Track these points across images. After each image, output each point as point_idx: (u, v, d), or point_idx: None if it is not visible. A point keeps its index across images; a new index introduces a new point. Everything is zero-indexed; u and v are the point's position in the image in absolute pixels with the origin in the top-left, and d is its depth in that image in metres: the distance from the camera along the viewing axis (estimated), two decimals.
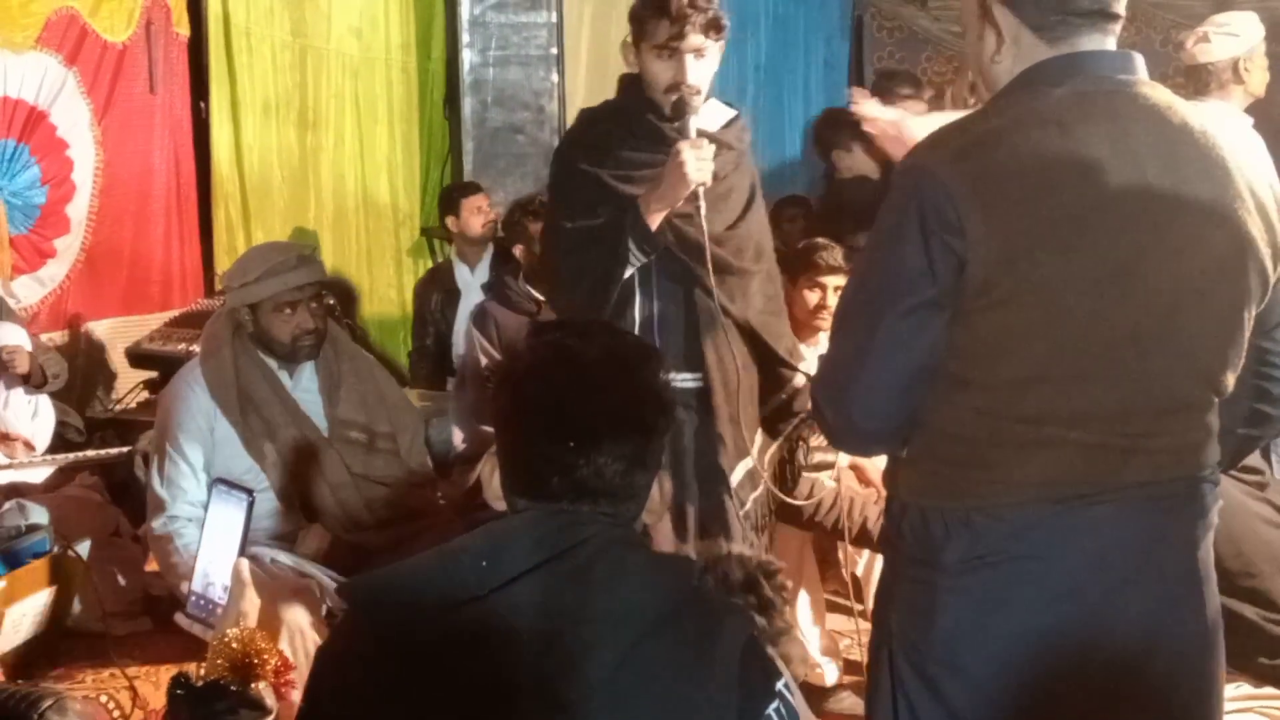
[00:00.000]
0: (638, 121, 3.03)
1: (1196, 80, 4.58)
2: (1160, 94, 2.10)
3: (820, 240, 4.22)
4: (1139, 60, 2.11)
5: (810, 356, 3.53)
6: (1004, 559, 2.05)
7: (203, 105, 5.84)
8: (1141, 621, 2.08)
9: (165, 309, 5.57)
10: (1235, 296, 2.08)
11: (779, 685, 1.74)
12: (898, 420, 2.00)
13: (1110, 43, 2.10)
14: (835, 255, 4.10)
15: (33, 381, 4.61)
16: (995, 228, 2.01)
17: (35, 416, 4.67)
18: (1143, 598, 2.07)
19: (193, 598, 1.96)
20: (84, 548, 3.31)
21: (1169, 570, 2.09)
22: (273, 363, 3.41)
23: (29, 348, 4.65)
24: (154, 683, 3.07)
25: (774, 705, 1.72)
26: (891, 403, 1.93)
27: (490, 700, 1.59)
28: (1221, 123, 2.10)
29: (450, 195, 6.01)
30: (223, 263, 5.71)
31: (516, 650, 1.59)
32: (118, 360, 5.34)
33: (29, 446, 4.53)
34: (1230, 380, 2.11)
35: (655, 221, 2.93)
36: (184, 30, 5.76)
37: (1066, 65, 2.09)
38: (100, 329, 5.44)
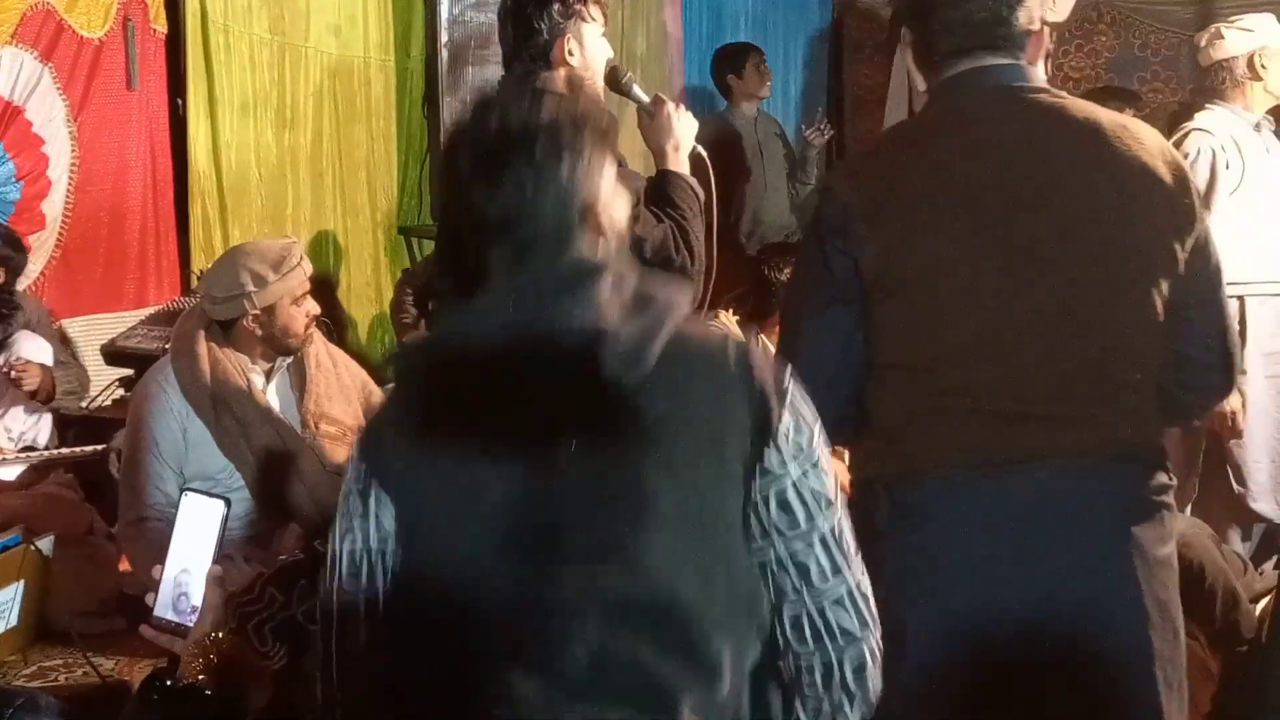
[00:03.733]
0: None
1: (1213, 80, 4.49)
2: (1052, 96, 2.36)
3: None
4: (1029, 70, 2.36)
5: None
6: (927, 522, 2.27)
7: (180, 102, 5.82)
8: (1060, 588, 2.22)
9: (141, 306, 5.54)
10: (1138, 274, 2.26)
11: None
12: (832, 410, 2.02)
13: (1003, 59, 2.35)
14: None
15: (39, 398, 4.57)
16: (880, 227, 2.29)
17: (36, 423, 4.65)
18: (1062, 566, 2.22)
19: (159, 608, 1.91)
20: (46, 544, 3.30)
21: (1093, 542, 2.24)
22: (246, 360, 3.40)
23: (49, 362, 4.61)
24: (128, 680, 3.06)
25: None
26: (819, 393, 1.95)
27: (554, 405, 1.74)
28: (1115, 117, 2.36)
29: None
30: (199, 261, 5.68)
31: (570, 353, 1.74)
32: (92, 358, 5.31)
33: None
34: (1148, 355, 2.28)
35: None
36: (161, 26, 5.73)
37: (959, 80, 2.38)
38: (75, 326, 5.41)
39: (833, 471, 1.86)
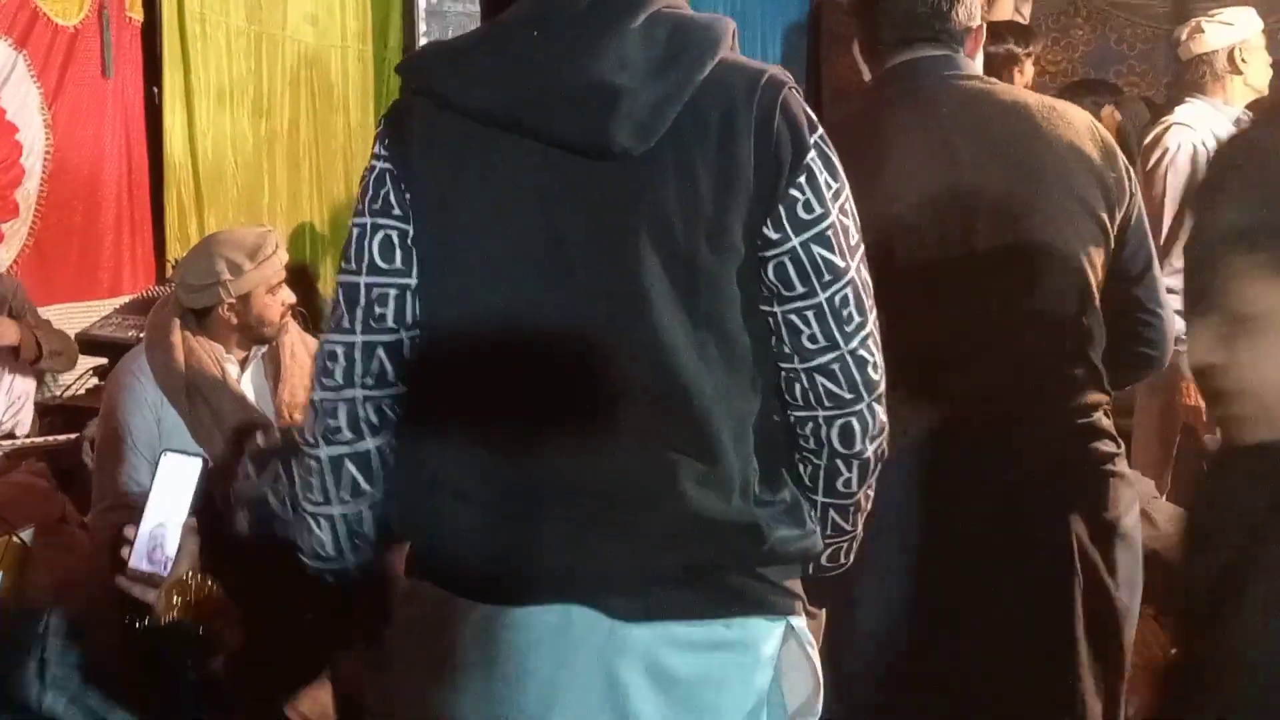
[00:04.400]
0: None
1: (1193, 74, 4.50)
2: (983, 83, 2.53)
3: None
4: (965, 61, 2.54)
5: None
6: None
7: (156, 91, 5.79)
8: (993, 536, 2.37)
9: (116, 295, 5.52)
10: (1066, 244, 2.40)
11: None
12: None
13: (940, 51, 2.52)
14: None
15: (26, 355, 4.51)
16: None
17: (17, 412, 4.62)
18: (998, 532, 2.37)
19: (135, 559, 1.94)
20: (28, 534, 3.29)
21: (1032, 508, 2.38)
22: (220, 349, 3.39)
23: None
24: None
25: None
26: None
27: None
28: (1044, 99, 2.54)
29: None
30: (174, 250, 5.66)
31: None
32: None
33: None
34: (1076, 323, 2.41)
35: None
36: (137, 15, 5.71)
37: (898, 70, 2.55)
38: (49, 315, 5.39)
39: (844, 239, 1.85)
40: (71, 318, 5.37)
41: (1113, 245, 2.44)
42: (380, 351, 1.86)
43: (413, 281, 1.87)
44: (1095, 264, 2.42)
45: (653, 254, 1.78)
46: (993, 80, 2.57)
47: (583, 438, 1.81)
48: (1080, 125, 2.48)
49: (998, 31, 5.61)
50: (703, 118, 1.79)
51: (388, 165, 1.89)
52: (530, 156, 1.79)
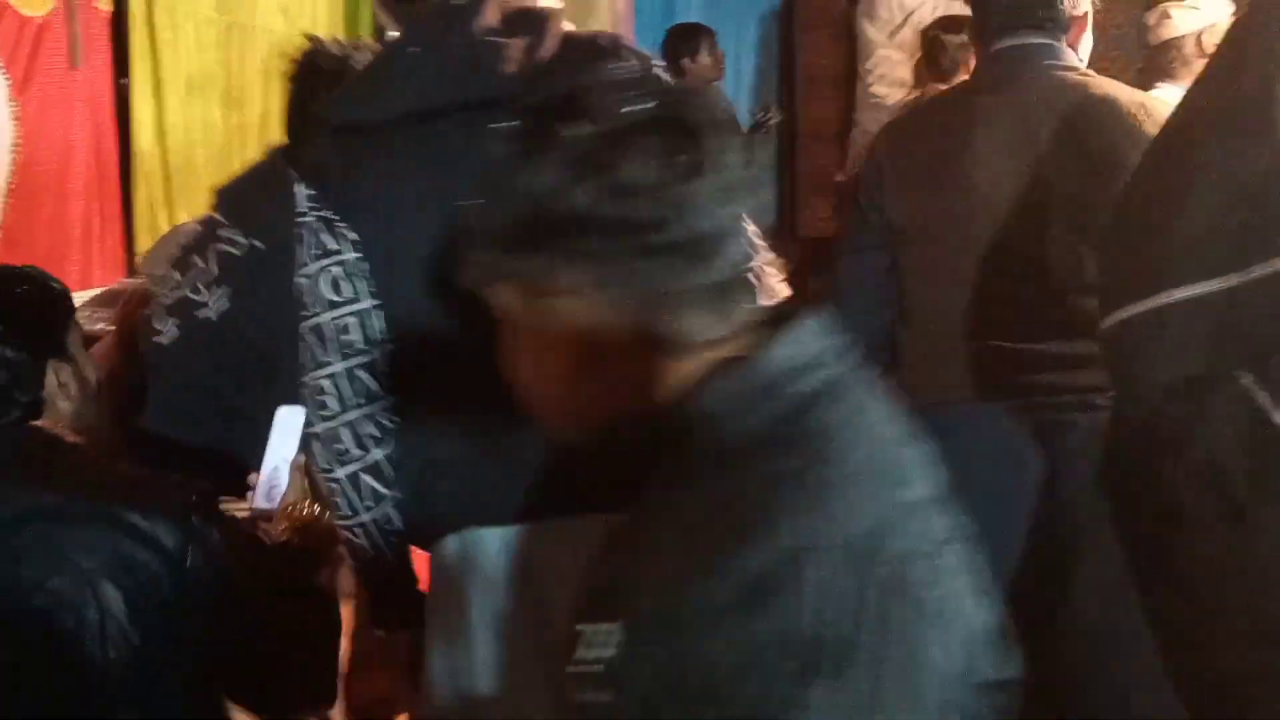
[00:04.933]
0: None
1: (1162, 59, 4.48)
2: (1079, 74, 2.65)
3: None
4: (1064, 50, 2.66)
5: None
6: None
7: (124, 82, 5.75)
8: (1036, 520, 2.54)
9: (85, 288, 5.46)
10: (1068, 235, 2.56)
11: None
12: (866, 337, 2.42)
13: (1042, 39, 2.66)
14: None
15: None
16: (901, 181, 2.69)
17: None
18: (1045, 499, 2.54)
19: (256, 500, 2.08)
20: None
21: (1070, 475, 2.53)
22: None
23: None
24: None
25: None
26: (856, 323, 2.28)
27: None
28: (1135, 96, 2.67)
29: None
30: (144, 242, 5.63)
31: None
32: None
33: None
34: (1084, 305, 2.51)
35: None
36: (105, 5, 5.66)
37: (996, 56, 2.71)
38: None
39: None
40: None
41: None
42: (360, 373, 2.05)
43: (368, 303, 2.06)
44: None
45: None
46: (1089, 72, 2.69)
47: None
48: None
49: (959, 22, 5.69)
50: (570, 62, 2.04)
51: (317, 213, 2.08)
52: (444, 135, 1.99)
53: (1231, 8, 4.54)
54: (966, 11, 6.28)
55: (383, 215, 2.06)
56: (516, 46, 2.03)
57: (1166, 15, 4.49)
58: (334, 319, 2.05)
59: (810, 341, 1.27)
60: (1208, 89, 2.04)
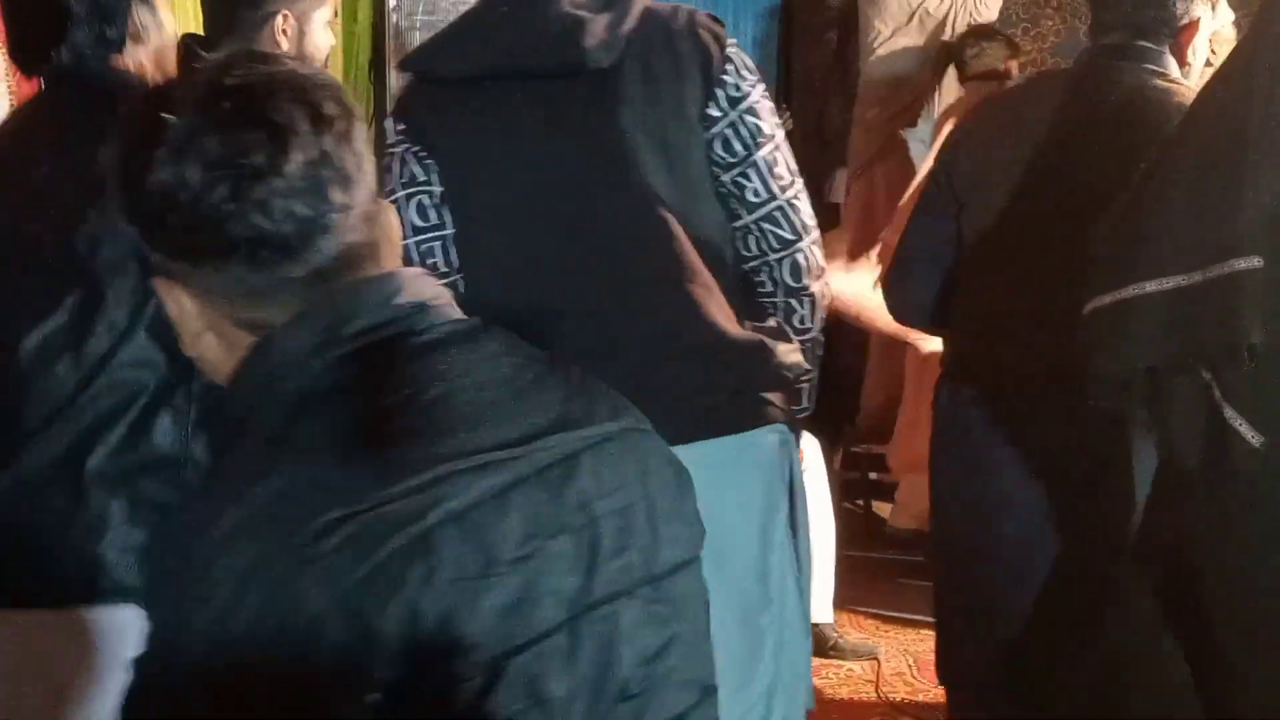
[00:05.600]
0: None
1: None
2: (1163, 81, 2.75)
3: None
4: (1161, 55, 2.75)
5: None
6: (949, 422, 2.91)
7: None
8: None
9: None
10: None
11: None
12: (915, 297, 2.92)
13: (1144, 42, 2.74)
14: None
15: None
16: (971, 157, 2.85)
17: None
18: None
19: None
20: None
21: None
22: None
23: None
24: None
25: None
26: (911, 283, 2.85)
27: None
28: (1144, 94, 2.78)
29: None
30: None
31: None
32: None
33: None
34: None
35: None
36: None
37: (1097, 49, 2.82)
38: None
39: (767, 114, 2.39)
40: None
41: None
42: None
43: (450, 231, 2.32)
44: None
45: (637, 137, 2.27)
46: (1179, 81, 2.78)
47: (606, 287, 2.27)
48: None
49: (985, 32, 5.75)
50: (648, 35, 2.30)
51: (405, 146, 2.33)
52: (525, 94, 2.25)
53: (1232, 15, 4.55)
54: (994, 18, 6.39)
55: (458, 161, 2.29)
56: (600, 22, 2.24)
57: None
58: (418, 243, 2.29)
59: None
60: (1204, 95, 2.12)
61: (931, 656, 3.24)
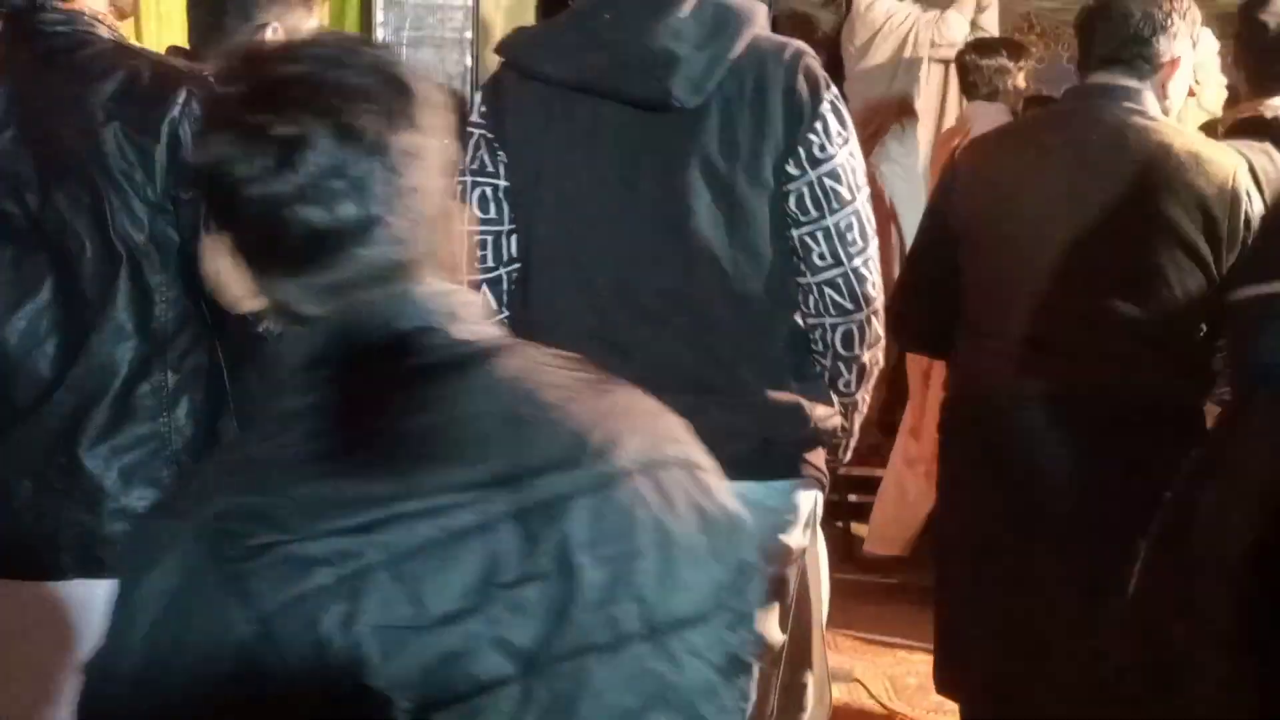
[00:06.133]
0: None
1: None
2: (1144, 119, 2.88)
3: None
4: (1143, 94, 2.90)
5: None
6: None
7: None
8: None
9: None
10: (1148, 275, 2.84)
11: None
12: (925, 324, 3.10)
13: (1128, 80, 2.90)
14: None
15: None
16: (969, 193, 2.97)
17: None
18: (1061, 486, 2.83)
19: None
20: None
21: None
22: None
23: None
24: None
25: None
26: (916, 306, 2.99)
27: None
28: (1190, 146, 2.90)
29: None
30: None
31: None
32: None
33: None
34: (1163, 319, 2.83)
35: None
36: None
37: (1081, 90, 3.00)
38: None
39: (851, 177, 2.37)
40: None
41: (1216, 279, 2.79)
42: (484, 288, 2.32)
43: (506, 226, 2.33)
44: (1180, 290, 2.80)
45: (703, 187, 2.23)
46: (1159, 119, 2.92)
47: (655, 330, 2.27)
48: (1216, 176, 2.79)
49: (992, 46, 5.73)
50: (741, 79, 2.27)
51: (483, 131, 2.33)
52: (605, 113, 2.26)
53: (1217, 45, 4.59)
54: (994, 33, 6.37)
55: (529, 162, 2.30)
56: (696, 60, 2.19)
57: None
58: (473, 233, 2.31)
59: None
60: None
61: (909, 679, 3.29)
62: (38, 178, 2.18)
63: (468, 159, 2.33)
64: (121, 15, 2.34)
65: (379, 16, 6.46)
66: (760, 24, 2.32)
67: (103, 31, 2.25)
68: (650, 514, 1.32)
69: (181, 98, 2.16)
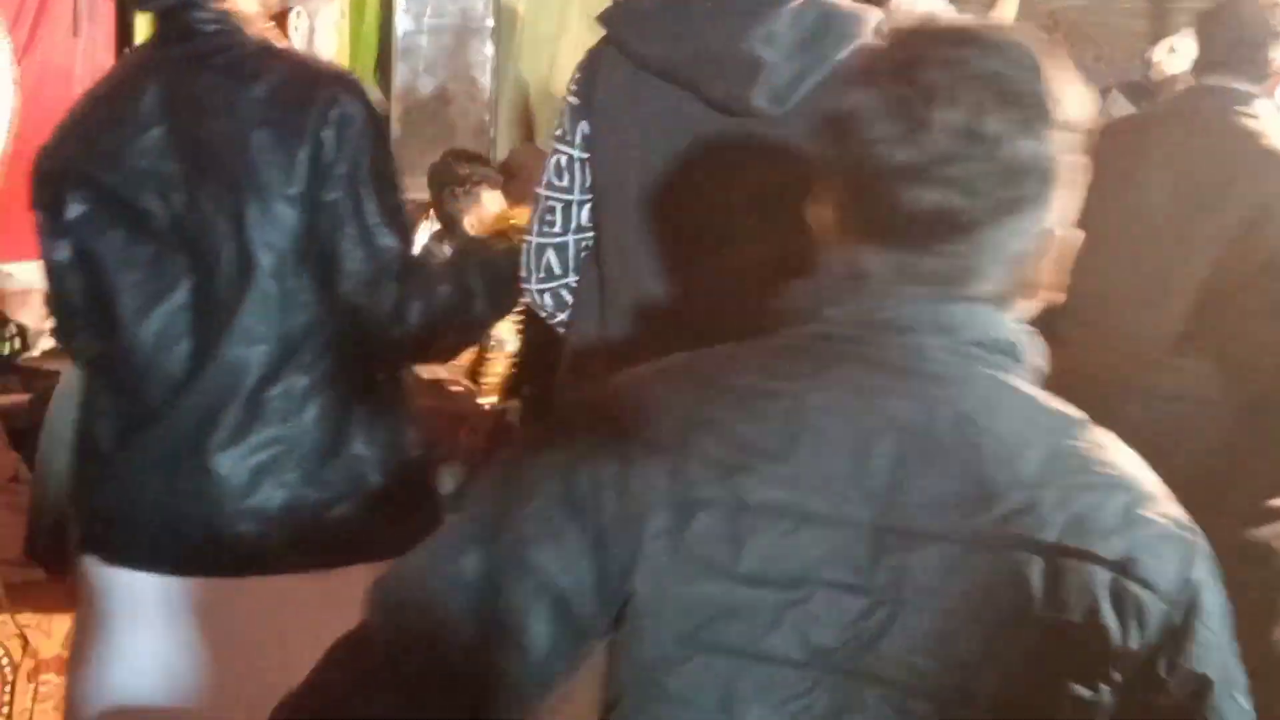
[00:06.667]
0: None
1: (1166, 94, 4.49)
2: (1252, 122, 2.94)
3: None
4: (1253, 96, 2.95)
5: None
6: None
7: (127, 52, 5.74)
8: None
9: None
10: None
11: None
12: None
13: (1238, 84, 2.96)
14: None
15: None
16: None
17: None
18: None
19: None
20: None
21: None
22: None
23: None
24: (45, 631, 3.02)
25: None
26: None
27: None
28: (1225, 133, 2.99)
29: None
30: None
31: None
32: (35, 304, 5.24)
33: None
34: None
35: None
36: None
37: (1194, 90, 3.12)
38: (16, 271, 5.34)
39: None
40: (38, 275, 5.31)
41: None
42: (549, 253, 2.32)
43: (577, 196, 2.31)
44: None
45: (764, 199, 2.12)
46: (1260, 118, 2.96)
47: (727, 309, 2.08)
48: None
49: None
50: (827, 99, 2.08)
51: (574, 99, 2.31)
52: (689, 105, 2.19)
53: None
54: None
55: (608, 139, 2.27)
56: (783, 70, 2.12)
57: (1172, 49, 4.50)
58: (546, 197, 2.32)
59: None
60: None
61: None
62: (184, 178, 2.18)
63: (558, 124, 2.36)
64: (269, 16, 2.34)
65: (401, 3, 6.46)
66: (867, 34, 2.18)
67: (252, 33, 2.25)
68: (1012, 598, 1.22)
69: (327, 101, 2.15)
